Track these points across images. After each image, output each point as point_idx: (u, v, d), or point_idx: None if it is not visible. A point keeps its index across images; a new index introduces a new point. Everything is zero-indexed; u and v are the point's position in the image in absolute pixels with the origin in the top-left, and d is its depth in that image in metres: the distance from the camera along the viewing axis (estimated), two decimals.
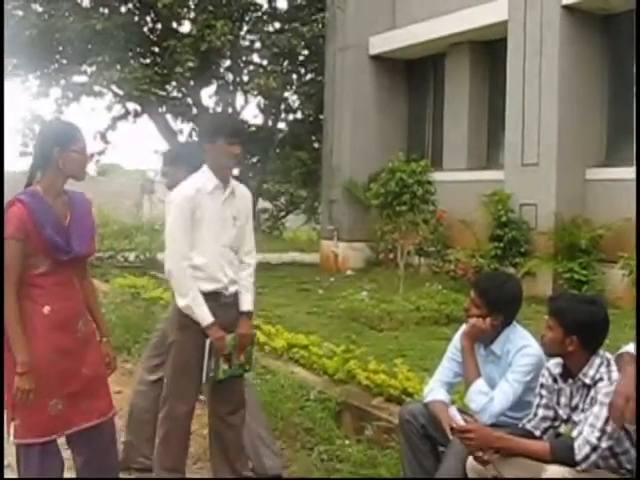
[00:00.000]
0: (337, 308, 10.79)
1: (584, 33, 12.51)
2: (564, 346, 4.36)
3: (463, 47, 15.54)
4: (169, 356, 5.41)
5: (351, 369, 7.12)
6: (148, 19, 19.56)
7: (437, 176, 14.05)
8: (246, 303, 5.49)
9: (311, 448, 6.34)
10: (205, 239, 5.23)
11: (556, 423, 4.58)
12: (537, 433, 4.57)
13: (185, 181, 5.35)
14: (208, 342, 5.24)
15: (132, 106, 20.16)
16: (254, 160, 20.92)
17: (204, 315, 5.20)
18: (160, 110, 19.99)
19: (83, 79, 18.75)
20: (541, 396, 4.60)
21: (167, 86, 19.64)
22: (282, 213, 27.45)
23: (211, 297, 5.25)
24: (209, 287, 5.26)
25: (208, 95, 20.20)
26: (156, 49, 19.46)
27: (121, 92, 18.97)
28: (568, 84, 12.38)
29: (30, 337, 4.55)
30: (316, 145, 20.85)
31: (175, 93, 20.19)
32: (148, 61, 19.45)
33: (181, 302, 5.20)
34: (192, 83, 19.39)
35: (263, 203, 25.26)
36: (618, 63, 12.65)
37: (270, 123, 20.98)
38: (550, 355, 4.53)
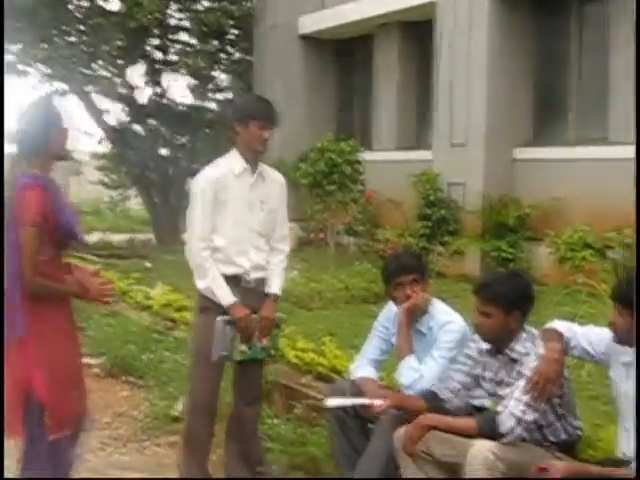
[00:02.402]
0: None
1: (512, 14, 12.60)
2: (506, 326, 4.42)
3: (392, 28, 15.56)
4: (191, 339, 5.59)
5: (280, 348, 7.14)
6: None
7: (367, 156, 14.16)
8: (274, 286, 5.43)
9: None
10: (229, 222, 5.21)
11: (475, 393, 4.70)
12: (444, 393, 4.65)
13: (211, 163, 5.38)
14: (219, 320, 5.19)
15: (59, 85, 19.88)
16: (184, 140, 20.75)
17: (225, 295, 5.18)
18: (87, 89, 19.74)
19: (9, 58, 18.44)
20: (463, 364, 4.67)
21: (94, 65, 19.39)
22: None
23: (231, 281, 5.21)
24: (229, 270, 5.22)
25: (136, 74, 19.94)
26: (82, 27, 19.18)
27: (48, 71, 18.71)
28: (496, 65, 12.49)
29: (42, 330, 4.42)
30: None
31: (102, 72, 19.94)
32: (74, 39, 19.15)
33: (200, 284, 5.22)
34: (119, 62, 19.18)
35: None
36: (546, 44, 12.78)
37: (200, 103, 20.84)
38: (489, 341, 4.53)
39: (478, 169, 12.43)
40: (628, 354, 4.04)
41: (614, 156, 10.84)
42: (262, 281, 5.38)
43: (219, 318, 5.20)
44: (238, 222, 5.24)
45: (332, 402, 4.97)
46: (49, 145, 4.50)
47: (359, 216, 13.95)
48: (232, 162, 5.29)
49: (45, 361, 4.40)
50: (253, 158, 5.31)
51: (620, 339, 4.04)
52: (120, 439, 6.59)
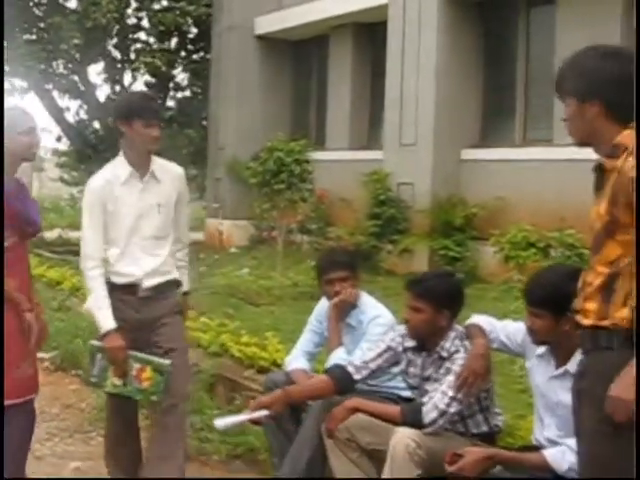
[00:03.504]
0: (217, 284, 10.97)
1: (461, 16, 12.82)
2: (435, 323, 4.55)
3: (346, 29, 15.77)
4: None
5: (224, 342, 7.34)
6: None
7: (320, 155, 14.36)
8: (185, 284, 5.28)
9: None
10: (119, 232, 4.93)
11: (394, 380, 4.94)
12: (350, 369, 4.76)
13: (98, 171, 5.07)
14: (90, 344, 5.02)
15: (18, 83, 19.96)
16: None
17: (103, 320, 4.84)
18: (47, 87, 19.82)
19: None
20: (382, 354, 4.77)
21: (54, 62, 19.48)
22: None
23: (128, 290, 4.98)
24: (122, 280, 4.97)
25: (96, 72, 20.10)
26: (42, 25, 19.27)
27: (7, 68, 18.77)
28: (445, 67, 12.69)
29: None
30: (204, 123, 20.95)
31: (62, 70, 20.04)
32: (34, 37, 19.26)
33: (86, 304, 4.97)
34: (78, 60, 19.28)
35: None
36: (494, 47, 13.01)
37: (159, 101, 20.93)
38: (417, 337, 4.66)
39: (427, 169, 12.62)
40: (542, 348, 4.25)
41: (559, 157, 11.08)
42: (164, 286, 5.07)
43: (91, 342, 5.01)
44: (129, 231, 4.94)
45: (220, 422, 4.86)
46: (12, 146, 4.76)
47: (312, 214, 14.16)
48: (116, 169, 4.97)
49: None
50: (142, 160, 4.97)
51: (537, 340, 4.17)
52: (67, 430, 6.77)
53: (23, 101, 24.01)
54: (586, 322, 3.28)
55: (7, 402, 4.67)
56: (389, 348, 4.78)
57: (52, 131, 22.00)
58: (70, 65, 19.67)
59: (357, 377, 4.74)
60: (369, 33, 15.62)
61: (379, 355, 4.78)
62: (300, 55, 17.54)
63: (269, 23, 17.05)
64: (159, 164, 5.06)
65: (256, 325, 8.31)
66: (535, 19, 12.55)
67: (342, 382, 4.68)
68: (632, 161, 3.08)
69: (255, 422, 4.96)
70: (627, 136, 3.19)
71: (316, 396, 4.86)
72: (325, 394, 4.78)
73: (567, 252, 10.05)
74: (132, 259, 4.96)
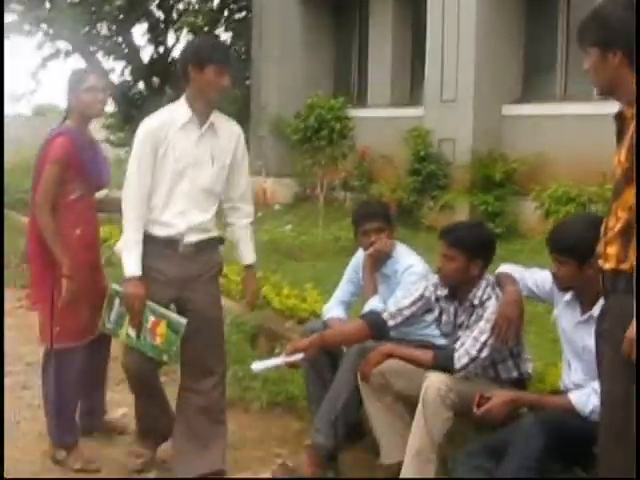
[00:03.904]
0: (260, 240, 11.12)
1: None
2: (467, 272, 4.65)
3: None
4: None
5: (266, 295, 7.52)
6: None
7: (362, 113, 14.45)
8: (247, 256, 5.19)
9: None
10: (167, 179, 4.73)
11: (430, 328, 5.07)
12: (384, 315, 4.90)
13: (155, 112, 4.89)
14: (111, 287, 4.91)
15: (63, 45, 20.15)
16: None
17: (129, 264, 4.69)
18: (91, 49, 20.01)
19: (12, 17, 18.71)
20: (415, 302, 4.89)
21: (97, 25, 19.67)
22: None
23: (168, 245, 4.80)
24: (161, 232, 4.78)
25: (139, 33, 20.27)
26: None
27: (51, 31, 18.96)
28: (486, 24, 12.67)
29: (65, 254, 5.01)
30: (247, 82, 21.05)
31: (105, 31, 20.21)
32: (77, 0, 19.44)
33: (116, 245, 4.99)
34: (122, 21, 19.43)
35: None
36: (535, 2, 12.98)
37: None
38: (449, 285, 4.78)
39: (467, 125, 12.66)
40: (568, 294, 4.38)
41: (599, 112, 11.06)
42: (207, 244, 4.92)
43: (113, 285, 4.89)
44: (178, 179, 4.74)
45: (257, 366, 5.00)
46: (77, 104, 5.20)
47: (354, 171, 14.25)
48: (176, 112, 4.78)
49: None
50: (205, 107, 4.77)
51: (563, 287, 4.30)
52: (114, 379, 6.93)
53: (67, 63, 24.34)
54: (607, 266, 3.42)
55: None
56: (422, 296, 4.90)
57: None
58: (114, 27, 19.83)
59: (391, 323, 4.87)
60: None
61: (413, 303, 4.90)
62: (341, 13, 17.52)
63: None
64: (219, 118, 4.88)
65: (297, 279, 8.47)
66: None
67: (377, 327, 4.83)
68: None
69: (291, 365, 5.07)
70: None
71: (351, 340, 5.02)
72: (360, 339, 4.93)
73: (607, 207, 10.07)
74: (179, 210, 4.78)
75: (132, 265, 4.68)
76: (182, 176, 4.74)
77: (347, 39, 17.50)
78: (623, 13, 3.39)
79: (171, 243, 4.80)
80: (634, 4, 3.43)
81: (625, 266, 3.33)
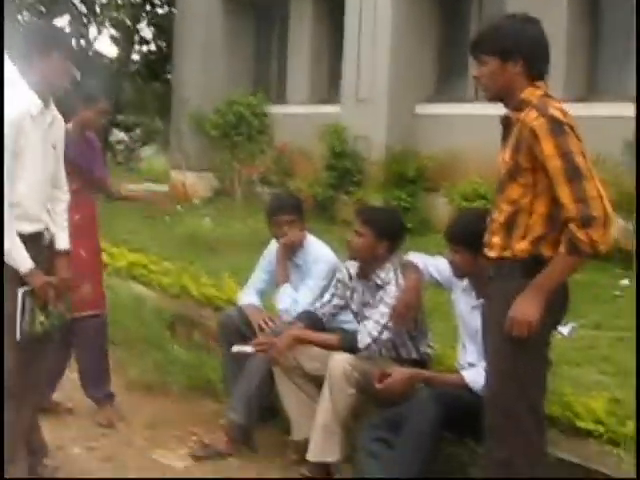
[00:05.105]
0: (179, 233, 11.39)
1: None
2: (374, 250, 5.07)
3: None
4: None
5: (184, 284, 7.80)
6: None
7: (281, 109, 14.73)
8: (62, 242, 4.81)
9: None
10: (26, 171, 4.46)
11: (343, 313, 5.40)
12: (324, 320, 5.37)
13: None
14: (21, 291, 4.48)
15: None
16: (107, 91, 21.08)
17: (24, 260, 4.45)
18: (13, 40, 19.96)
19: None
20: (336, 288, 5.35)
21: (19, 16, 19.62)
22: (138, 144, 27.51)
23: (33, 239, 4.55)
24: (30, 228, 4.55)
25: (61, 26, 20.19)
26: None
27: None
28: (401, 25, 13.07)
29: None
30: (169, 77, 21.17)
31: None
32: None
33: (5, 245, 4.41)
34: (44, 13, 19.41)
35: (118, 134, 25.38)
36: (450, 4, 13.40)
37: (124, 55, 21.17)
38: (356, 258, 5.20)
39: (382, 123, 13.04)
40: (464, 281, 4.75)
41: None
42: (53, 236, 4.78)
43: (21, 290, 4.48)
44: (34, 171, 4.52)
45: (235, 348, 5.49)
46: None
47: (272, 166, 14.54)
48: (29, 100, 4.46)
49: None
50: (50, 95, 4.59)
51: (458, 274, 4.67)
52: None
53: None
54: (492, 254, 3.81)
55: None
56: (338, 281, 5.35)
57: None
58: (35, 18, 19.78)
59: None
60: None
61: (333, 295, 5.38)
62: (262, 11, 17.76)
63: None
64: (53, 105, 4.70)
65: (215, 269, 8.71)
66: None
67: (347, 343, 5.06)
68: (533, 114, 3.60)
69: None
70: (530, 92, 3.74)
71: (321, 346, 5.22)
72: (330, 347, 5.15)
73: None
74: (40, 203, 4.64)
75: (27, 260, 4.44)
76: (35, 168, 4.54)
77: (267, 37, 17.75)
78: (522, 26, 3.78)
79: (35, 237, 4.61)
80: (530, 19, 3.82)
81: (507, 254, 3.72)
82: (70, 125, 5.74)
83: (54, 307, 4.65)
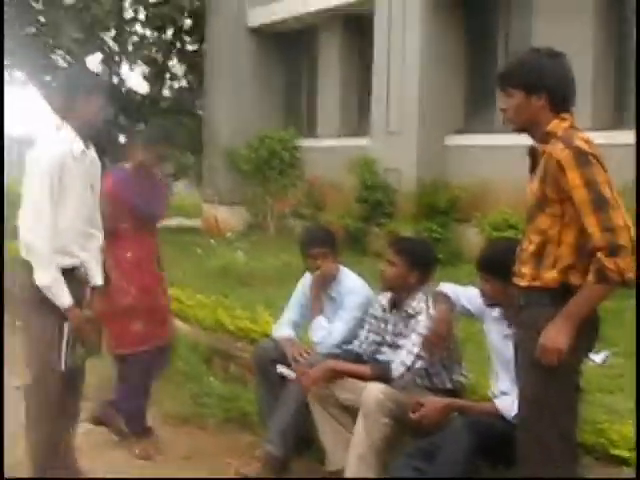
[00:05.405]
0: (212, 266, 11.49)
1: (445, 6, 13.30)
2: (406, 279, 5.21)
3: (335, 21, 16.25)
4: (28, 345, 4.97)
5: (219, 318, 7.89)
6: None
7: (311, 142, 14.85)
8: (99, 277, 5.09)
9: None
10: (68, 208, 4.77)
11: (382, 348, 5.42)
12: (364, 357, 5.44)
13: (46, 140, 4.87)
14: (67, 326, 4.79)
15: (18, 74, 20.39)
16: (141, 128, 21.33)
17: (65, 295, 4.75)
18: (46, 79, 20.26)
19: None
20: (370, 324, 5.46)
21: (52, 56, 19.93)
22: (170, 179, 27.66)
23: (68, 274, 4.81)
24: (67, 262, 4.83)
25: (94, 65, 20.48)
26: (41, 18, 19.70)
27: (7, 61, 19.18)
28: (429, 57, 13.16)
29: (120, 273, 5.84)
30: (200, 112, 21.38)
31: (61, 62, 20.46)
32: (34, 30, 19.68)
33: (43, 279, 4.69)
34: (77, 52, 19.68)
35: None
36: (477, 35, 13.47)
37: (155, 91, 21.43)
38: (388, 288, 5.35)
39: (412, 155, 13.11)
40: (496, 310, 4.82)
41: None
42: (86, 270, 5.03)
43: (67, 324, 4.78)
44: (76, 209, 4.83)
45: (280, 369, 5.63)
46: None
47: (304, 200, 14.65)
48: (70, 141, 4.80)
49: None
50: (90, 135, 4.92)
51: (489, 303, 4.74)
52: None
53: (23, 93, 24.49)
54: (522, 283, 3.88)
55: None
56: (372, 316, 5.50)
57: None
58: (69, 57, 20.08)
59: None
60: (357, 25, 16.02)
61: (369, 331, 5.51)
62: (291, 46, 17.97)
63: (261, 15, 17.48)
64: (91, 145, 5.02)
65: (248, 302, 8.78)
66: (514, 11, 13.00)
67: (380, 373, 5.14)
68: (559, 145, 3.68)
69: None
70: (556, 125, 3.81)
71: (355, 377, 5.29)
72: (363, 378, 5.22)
73: None
74: (76, 240, 4.93)
75: (67, 296, 4.75)
76: (77, 206, 4.89)
77: (296, 70, 17.97)
78: (547, 61, 3.87)
79: (71, 272, 4.88)
80: (555, 53, 3.91)
81: (537, 283, 3.79)
82: (129, 165, 6.08)
83: (90, 341, 4.99)
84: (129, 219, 6.01)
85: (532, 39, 11.92)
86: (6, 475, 4.95)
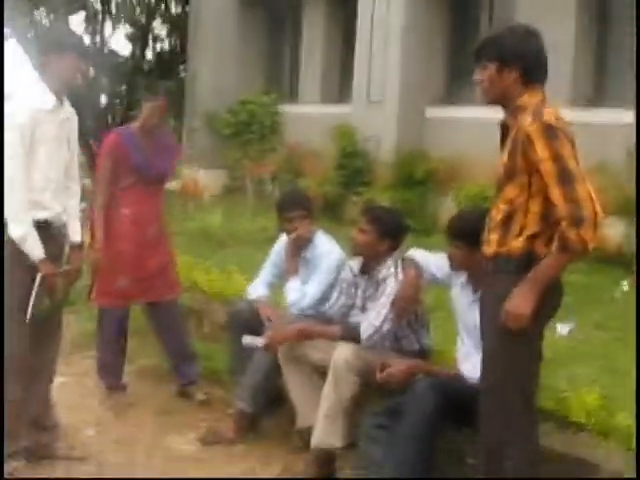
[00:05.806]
0: (190, 229, 11.55)
1: None
2: (376, 247, 5.33)
3: None
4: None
5: (195, 278, 8.01)
6: None
7: (292, 108, 14.84)
8: (77, 233, 5.20)
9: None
10: (41, 162, 4.84)
11: (353, 311, 5.56)
12: (335, 319, 5.58)
13: (21, 95, 4.95)
14: (39, 277, 4.79)
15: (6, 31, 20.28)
16: (122, 89, 21.29)
17: (37, 248, 4.80)
18: (29, 35, 20.16)
19: None
20: (342, 287, 5.58)
21: (35, 12, 19.83)
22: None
23: (41, 226, 4.85)
24: (40, 215, 4.87)
25: (76, 23, 20.39)
26: None
27: None
28: (412, 28, 13.15)
29: (114, 229, 6.07)
30: (182, 75, 21.32)
31: (44, 19, 20.36)
32: None
33: (17, 231, 4.75)
34: (60, 10, 19.60)
35: None
36: (461, 6, 13.50)
37: (137, 53, 21.36)
38: (359, 255, 5.47)
39: (392, 124, 13.16)
40: (463, 277, 4.94)
41: None
42: (64, 225, 5.13)
43: (39, 275, 4.79)
44: (49, 162, 4.88)
45: (245, 340, 5.66)
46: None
47: (283, 165, 14.70)
48: (42, 97, 4.86)
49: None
50: (63, 92, 4.97)
51: (456, 268, 4.86)
52: None
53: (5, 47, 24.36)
54: (489, 250, 4.01)
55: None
56: (343, 280, 5.58)
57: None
58: (52, 15, 19.99)
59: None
60: None
61: (340, 293, 5.61)
62: (275, 12, 17.90)
63: None
64: (66, 102, 5.08)
65: (225, 264, 8.86)
66: None
67: (350, 334, 5.30)
68: (529, 119, 3.81)
69: (266, 348, 5.61)
70: (527, 99, 3.95)
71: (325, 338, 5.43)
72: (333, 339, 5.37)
73: None
74: (51, 192, 4.98)
75: (40, 249, 4.81)
76: (50, 159, 4.95)
77: (280, 37, 17.93)
78: (523, 37, 3.99)
79: (45, 225, 4.93)
80: (531, 31, 4.02)
81: (503, 250, 3.93)
82: (134, 124, 6.32)
83: (59, 294, 5.01)
84: (130, 177, 6.17)
85: (516, 10, 11.97)
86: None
